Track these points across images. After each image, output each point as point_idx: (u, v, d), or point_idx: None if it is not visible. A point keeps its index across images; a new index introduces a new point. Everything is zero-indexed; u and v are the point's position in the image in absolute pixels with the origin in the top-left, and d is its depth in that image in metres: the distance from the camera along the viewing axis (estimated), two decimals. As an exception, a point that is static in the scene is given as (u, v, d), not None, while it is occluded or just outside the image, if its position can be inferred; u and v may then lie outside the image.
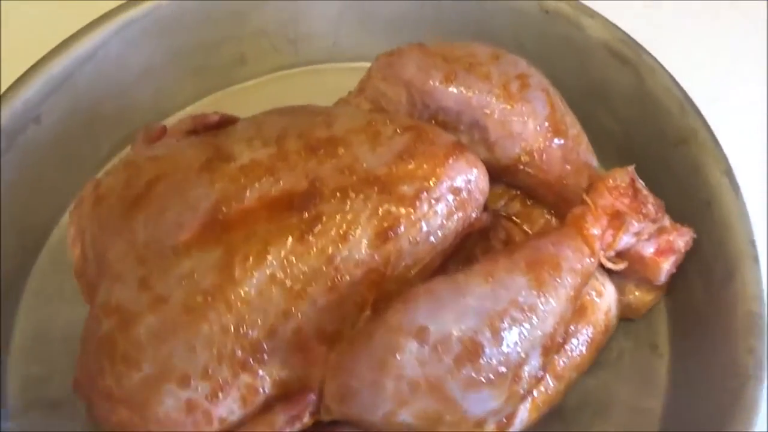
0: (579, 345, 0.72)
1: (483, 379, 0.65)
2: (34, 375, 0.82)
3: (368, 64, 0.79)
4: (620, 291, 0.76)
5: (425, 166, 0.69)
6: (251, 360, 0.68)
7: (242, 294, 0.68)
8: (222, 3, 0.90)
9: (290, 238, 0.68)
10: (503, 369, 0.65)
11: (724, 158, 0.75)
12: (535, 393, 0.71)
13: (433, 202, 0.68)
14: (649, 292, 0.76)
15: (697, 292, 0.76)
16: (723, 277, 0.72)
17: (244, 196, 0.70)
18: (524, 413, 0.71)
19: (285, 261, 0.68)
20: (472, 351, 0.65)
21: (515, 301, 0.65)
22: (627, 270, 0.72)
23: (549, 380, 0.71)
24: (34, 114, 0.85)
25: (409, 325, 0.65)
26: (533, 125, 0.72)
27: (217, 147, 0.74)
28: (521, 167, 0.73)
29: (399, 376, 0.65)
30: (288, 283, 0.68)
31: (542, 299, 0.66)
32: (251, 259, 0.69)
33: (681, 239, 0.72)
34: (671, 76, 0.79)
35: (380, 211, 0.68)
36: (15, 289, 0.86)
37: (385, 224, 0.68)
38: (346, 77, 0.85)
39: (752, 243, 0.71)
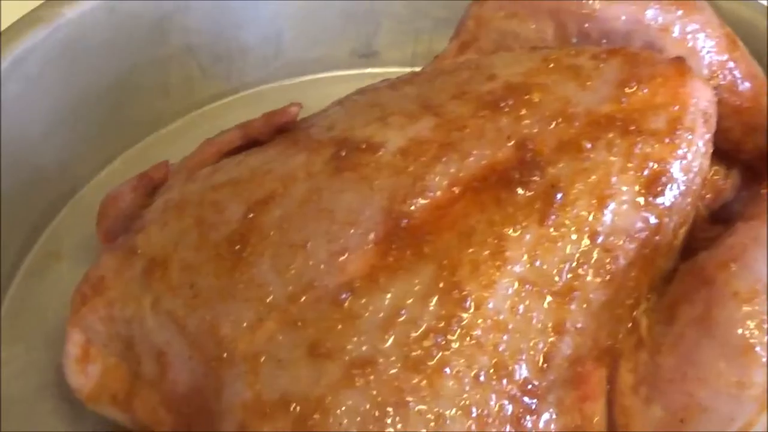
0: None
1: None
2: None
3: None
4: None
5: (662, 90, 0.50)
6: (524, 413, 0.45)
7: (489, 315, 0.45)
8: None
9: (528, 223, 0.46)
10: None
11: None
12: None
13: (688, 133, 0.49)
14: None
15: None
16: None
17: (427, 186, 0.47)
18: None
19: (533, 255, 0.46)
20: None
21: None
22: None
23: None
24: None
25: (761, 284, 0.45)
26: (714, 38, 0.55)
27: (333, 141, 0.50)
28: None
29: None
30: (547, 283, 0.46)
31: None
32: (483, 265, 0.45)
33: None
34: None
35: (635, 157, 0.48)
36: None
37: (651, 170, 0.48)
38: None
39: None
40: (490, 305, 0.46)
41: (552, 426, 0.47)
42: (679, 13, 0.56)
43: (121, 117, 0.69)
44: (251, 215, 0.49)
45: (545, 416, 0.47)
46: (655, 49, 0.56)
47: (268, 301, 0.47)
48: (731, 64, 0.57)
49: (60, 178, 0.66)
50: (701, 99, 0.51)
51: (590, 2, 0.55)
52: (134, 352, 0.50)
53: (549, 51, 0.54)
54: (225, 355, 0.47)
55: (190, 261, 0.49)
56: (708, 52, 0.56)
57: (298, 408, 0.45)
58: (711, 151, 0.52)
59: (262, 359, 0.46)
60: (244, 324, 0.47)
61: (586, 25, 0.55)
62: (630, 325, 0.49)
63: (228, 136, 0.55)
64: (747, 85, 0.57)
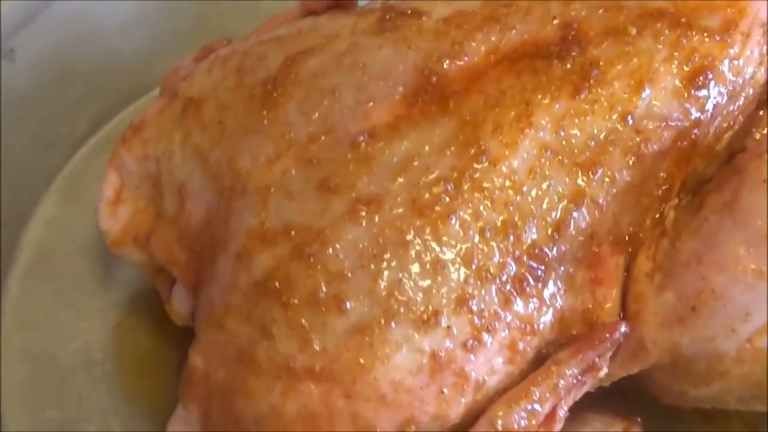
0: None
1: None
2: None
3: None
4: None
5: (724, -13, 0.49)
6: (529, 277, 0.43)
7: (504, 174, 0.44)
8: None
9: (561, 95, 0.45)
10: None
11: None
12: None
13: (742, 38, 0.47)
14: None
15: None
16: None
17: (465, 50, 0.47)
18: None
19: (559, 125, 0.45)
20: None
21: None
22: None
23: None
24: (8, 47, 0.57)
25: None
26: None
27: (382, 8, 0.50)
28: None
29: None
30: (569, 153, 0.45)
31: None
32: (507, 127, 0.44)
33: None
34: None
35: (682, 48, 0.47)
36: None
37: (697, 63, 0.46)
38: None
39: None
40: (507, 164, 0.45)
41: (558, 300, 0.46)
42: None
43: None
44: (289, 62, 0.49)
45: (551, 287, 0.45)
46: None
47: (288, 137, 0.47)
48: None
49: (142, 69, 0.68)
50: (762, 10, 0.50)
51: None
52: (160, 189, 0.51)
53: None
54: (238, 185, 0.47)
55: (223, 100, 0.50)
56: None
57: (298, 237, 0.45)
58: (765, 69, 0.50)
59: (273, 190, 0.46)
60: (262, 158, 0.47)
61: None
62: (657, 216, 0.47)
63: (291, 12, 0.55)
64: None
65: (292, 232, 0.45)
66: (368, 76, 0.48)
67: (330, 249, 0.44)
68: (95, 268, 0.60)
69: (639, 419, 0.51)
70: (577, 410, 0.48)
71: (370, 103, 0.47)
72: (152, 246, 0.52)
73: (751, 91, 0.49)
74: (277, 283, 0.44)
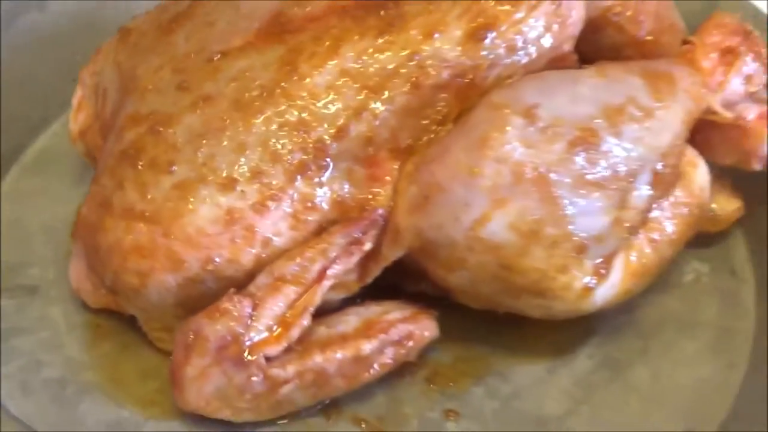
0: (676, 213, 0.62)
1: (596, 178, 0.56)
2: (10, 263, 0.72)
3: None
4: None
5: (526, -28, 0.62)
6: (311, 165, 0.58)
7: (308, 87, 0.59)
8: None
9: (367, 36, 0.60)
10: (619, 170, 0.56)
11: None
12: (632, 257, 0.60)
13: (528, 8, 0.60)
14: (729, 200, 0.68)
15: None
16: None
17: (310, 1, 0.62)
18: (618, 274, 0.61)
19: (360, 57, 0.60)
20: (587, 137, 0.56)
21: (633, 99, 0.58)
22: (722, 142, 0.64)
23: (645, 246, 0.61)
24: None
25: (516, 102, 0.57)
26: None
27: None
28: (613, 19, 0.66)
29: (501, 157, 0.55)
30: (363, 78, 0.59)
31: (658, 106, 0.58)
32: (320, 54, 0.59)
33: (787, 112, 0.65)
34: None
35: (474, 8, 0.60)
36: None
37: (480, 21, 0.60)
38: None
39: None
40: (311, 81, 0.60)
41: (337, 187, 0.60)
42: None
43: None
44: (193, 4, 0.66)
45: (331, 175, 0.60)
46: None
47: (171, 54, 0.64)
48: (640, 5, 0.67)
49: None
50: (558, -2, 0.62)
51: None
52: (97, 94, 0.69)
53: None
54: (131, 85, 0.64)
55: (143, 29, 0.67)
56: None
57: (154, 119, 0.61)
58: (559, 42, 0.62)
59: (150, 88, 0.63)
60: (151, 68, 0.64)
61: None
62: (432, 136, 0.60)
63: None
64: (650, 23, 0.67)
65: (152, 116, 0.61)
66: (238, 15, 0.64)
67: (172, 129, 0.60)
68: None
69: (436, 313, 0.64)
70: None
71: (234, 34, 0.63)
72: (87, 138, 0.69)
73: (534, 50, 0.61)
74: (133, 151, 0.60)
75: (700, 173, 0.65)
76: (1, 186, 0.77)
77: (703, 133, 0.66)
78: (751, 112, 0.66)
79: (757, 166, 0.67)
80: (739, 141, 0.66)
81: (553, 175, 0.56)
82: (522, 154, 0.55)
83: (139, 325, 0.65)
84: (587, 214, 0.57)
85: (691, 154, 0.65)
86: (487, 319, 0.65)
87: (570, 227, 0.57)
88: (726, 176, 0.70)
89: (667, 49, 0.67)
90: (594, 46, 0.68)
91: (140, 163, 0.60)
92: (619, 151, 0.57)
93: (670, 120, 0.59)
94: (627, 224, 0.59)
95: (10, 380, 0.64)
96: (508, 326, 0.66)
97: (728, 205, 0.70)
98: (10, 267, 0.71)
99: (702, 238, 0.71)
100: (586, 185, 0.56)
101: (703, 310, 0.69)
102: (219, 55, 0.62)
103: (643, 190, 0.59)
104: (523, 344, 0.66)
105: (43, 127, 0.81)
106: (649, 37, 0.68)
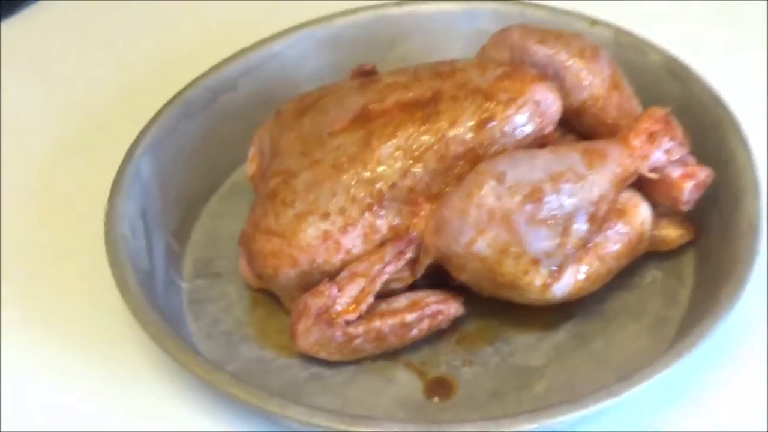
0: (619, 237, 0.95)
1: (542, 218, 0.90)
2: (205, 257, 1.07)
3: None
4: (655, 226, 0.99)
5: (517, 84, 0.96)
6: (375, 205, 0.95)
7: (375, 157, 0.95)
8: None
9: (414, 124, 0.96)
10: (557, 213, 0.90)
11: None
12: (582, 267, 0.94)
13: (519, 107, 0.95)
14: (678, 228, 1.00)
15: (714, 240, 1.00)
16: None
17: (385, 100, 0.99)
18: (570, 277, 0.93)
19: (409, 138, 0.95)
20: (536, 193, 0.89)
21: (571, 168, 0.91)
22: (657, 192, 0.96)
23: (594, 259, 0.95)
24: (233, 83, 1.17)
25: (493, 170, 0.91)
26: (599, 79, 1.00)
27: (370, 79, 1.03)
28: (587, 109, 0.99)
29: (480, 204, 0.89)
30: (409, 152, 0.95)
31: (590, 173, 0.91)
32: (384, 136, 0.96)
33: (702, 172, 0.97)
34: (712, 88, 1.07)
35: (481, 109, 0.95)
36: (198, 207, 1.13)
37: (484, 116, 0.95)
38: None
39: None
40: (378, 152, 0.95)
41: (393, 218, 0.93)
42: (581, 60, 1.02)
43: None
44: (318, 98, 1.04)
45: (389, 211, 0.95)
46: (559, 76, 1.02)
47: (299, 132, 0.99)
48: (604, 98, 1.01)
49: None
50: (536, 95, 0.96)
51: (528, 43, 1.02)
52: (261, 152, 1.08)
53: (487, 58, 1.03)
54: (277, 149, 1.02)
55: (287, 112, 1.04)
56: (589, 84, 1.01)
57: (286, 173, 0.99)
58: (541, 126, 0.97)
59: (285, 152, 1.00)
60: (289, 140, 1.02)
61: (523, 55, 1.03)
62: (451, 188, 0.97)
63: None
64: (614, 112, 1.01)
65: (285, 171, 0.98)
66: (342, 108, 1.00)
67: (295, 180, 0.97)
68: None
69: (462, 297, 1.00)
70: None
71: (338, 120, 1.01)
72: (255, 180, 1.09)
73: (520, 134, 0.95)
74: (273, 192, 0.97)
75: (641, 211, 0.97)
76: (207, 206, 1.15)
77: (645, 186, 0.98)
78: (675, 172, 0.98)
79: (684, 208, 0.99)
80: (667, 191, 0.98)
81: (513, 216, 0.90)
82: (493, 203, 0.89)
83: (279, 299, 1.03)
84: (538, 240, 0.90)
85: (637, 198, 0.97)
86: (500, 304, 0.95)
87: (526, 248, 0.91)
88: (679, 213, 1.03)
89: (625, 129, 1.00)
90: (581, 124, 1.03)
91: (277, 200, 0.98)
92: (558, 201, 0.90)
93: (599, 181, 0.92)
94: (570, 246, 0.93)
95: (199, 331, 0.97)
96: (513, 309, 0.94)
97: (675, 232, 1.02)
98: (205, 260, 1.03)
99: (663, 253, 1.02)
100: (536, 222, 0.89)
101: (651, 304, 0.96)
102: (327, 135, 0.99)
103: (581, 225, 0.92)
104: (522, 321, 0.95)
105: (235, 168, 1.14)
106: (611, 122, 1.02)
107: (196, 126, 1.08)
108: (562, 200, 0.89)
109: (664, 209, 0.98)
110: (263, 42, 1.15)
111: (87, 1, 1.38)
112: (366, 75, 1.05)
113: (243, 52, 1.14)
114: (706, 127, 1.03)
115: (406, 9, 1.22)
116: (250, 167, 1.07)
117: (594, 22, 1.15)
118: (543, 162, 0.90)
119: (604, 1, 1.20)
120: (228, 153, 1.12)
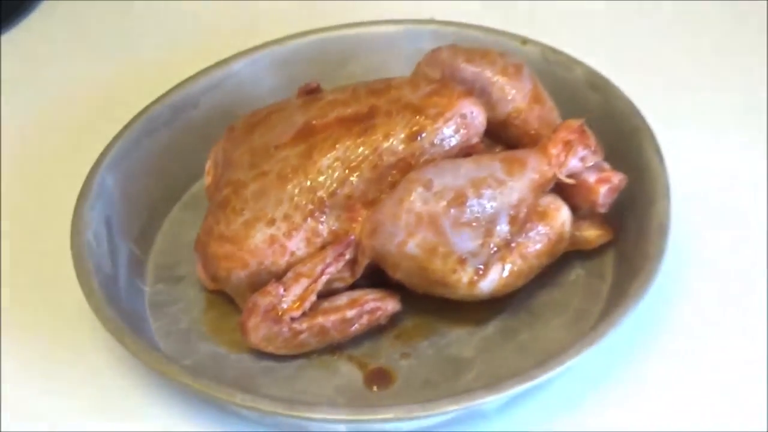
0: (540, 238, 1.04)
1: (465, 220, 0.99)
2: (166, 263, 1.12)
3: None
4: (576, 227, 1.08)
5: (445, 99, 1.05)
6: (317, 211, 1.03)
7: (316, 168, 1.03)
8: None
9: (351, 137, 1.05)
10: (480, 216, 0.98)
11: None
12: (506, 265, 1.03)
13: (447, 120, 1.04)
14: (598, 229, 1.09)
15: (631, 240, 1.08)
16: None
17: (327, 116, 1.08)
18: (495, 274, 1.02)
19: (347, 150, 1.04)
20: (459, 198, 0.98)
21: (492, 175, 0.99)
22: (576, 196, 1.05)
23: (517, 258, 1.04)
24: (195, 101, 1.26)
25: (421, 178, 0.99)
26: (521, 94, 1.09)
27: (314, 96, 1.13)
28: (511, 121, 1.08)
29: (410, 209, 0.98)
30: (347, 162, 1.03)
31: (510, 179, 1.00)
32: (325, 149, 1.05)
33: (616, 177, 1.06)
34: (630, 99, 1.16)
35: (412, 122, 1.05)
36: (160, 216, 1.21)
37: (415, 129, 1.04)
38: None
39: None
40: (318, 163, 1.03)
41: (333, 223, 1.02)
42: (504, 76, 1.11)
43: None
44: (268, 114, 1.13)
45: (329, 217, 1.04)
46: (486, 92, 1.11)
47: (249, 146, 1.07)
48: (526, 110, 1.10)
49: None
50: (463, 109, 1.05)
51: (457, 62, 1.12)
52: (216, 165, 1.17)
53: (419, 76, 1.12)
54: (228, 163, 1.10)
55: (239, 128, 1.11)
56: (512, 98, 1.10)
57: (236, 183, 1.07)
58: (468, 137, 1.07)
59: (235, 164, 1.09)
60: (239, 153, 1.11)
61: (453, 72, 1.12)
62: (385, 195, 1.06)
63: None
64: (535, 123, 1.10)
65: (235, 182, 1.04)
66: (287, 123, 1.07)
67: (244, 190, 1.04)
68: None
69: (398, 294, 1.08)
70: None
71: (283, 134, 1.10)
72: (210, 191, 1.17)
73: (447, 145, 1.04)
74: (224, 202, 1.04)
75: (562, 214, 1.06)
76: (169, 216, 1.20)
77: (566, 190, 1.07)
78: (592, 177, 1.07)
79: (602, 210, 1.08)
80: (585, 195, 1.07)
81: (440, 219, 0.98)
82: (421, 207, 0.98)
83: (232, 299, 1.05)
84: (463, 241, 0.99)
85: (558, 201, 1.06)
86: (435, 301, 1.00)
87: (453, 248, 0.99)
88: (598, 215, 1.12)
89: (545, 139, 1.10)
90: (507, 136, 1.12)
91: (228, 208, 1.06)
92: (480, 205, 0.99)
93: (518, 186, 1.01)
94: (493, 246, 1.02)
95: (160, 330, 1.02)
96: (447, 306, 0.99)
97: (595, 233, 1.10)
98: (166, 265, 1.09)
99: (586, 253, 1.10)
100: (460, 224, 0.98)
101: (574, 299, 1.02)
102: (273, 148, 1.08)
103: (503, 226, 1.01)
104: (455, 316, 1.00)
105: (195, 180, 1.19)
106: (533, 132, 1.11)
107: (159, 141, 1.14)
108: (483, 204, 0.98)
109: (585, 212, 1.06)
110: (224, 61, 1.21)
111: (51, 23, 1.49)
112: (311, 93, 1.13)
113: (206, 70, 1.21)
114: (625, 136, 1.12)
115: (354, 31, 1.26)
116: (207, 179, 1.15)
117: (525, 41, 1.23)
118: (466, 170, 0.99)
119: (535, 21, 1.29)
120: (188, 165, 1.17)
